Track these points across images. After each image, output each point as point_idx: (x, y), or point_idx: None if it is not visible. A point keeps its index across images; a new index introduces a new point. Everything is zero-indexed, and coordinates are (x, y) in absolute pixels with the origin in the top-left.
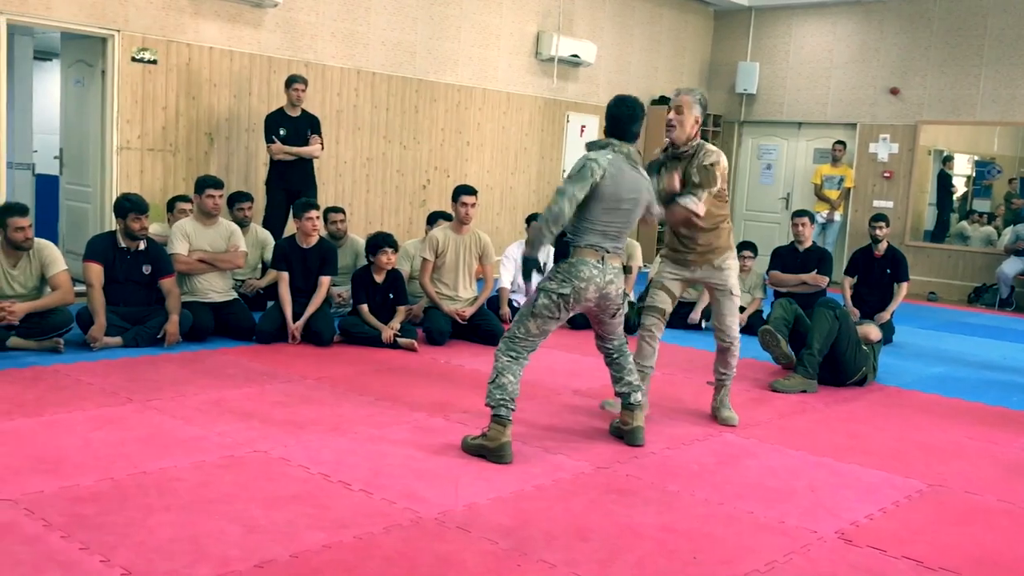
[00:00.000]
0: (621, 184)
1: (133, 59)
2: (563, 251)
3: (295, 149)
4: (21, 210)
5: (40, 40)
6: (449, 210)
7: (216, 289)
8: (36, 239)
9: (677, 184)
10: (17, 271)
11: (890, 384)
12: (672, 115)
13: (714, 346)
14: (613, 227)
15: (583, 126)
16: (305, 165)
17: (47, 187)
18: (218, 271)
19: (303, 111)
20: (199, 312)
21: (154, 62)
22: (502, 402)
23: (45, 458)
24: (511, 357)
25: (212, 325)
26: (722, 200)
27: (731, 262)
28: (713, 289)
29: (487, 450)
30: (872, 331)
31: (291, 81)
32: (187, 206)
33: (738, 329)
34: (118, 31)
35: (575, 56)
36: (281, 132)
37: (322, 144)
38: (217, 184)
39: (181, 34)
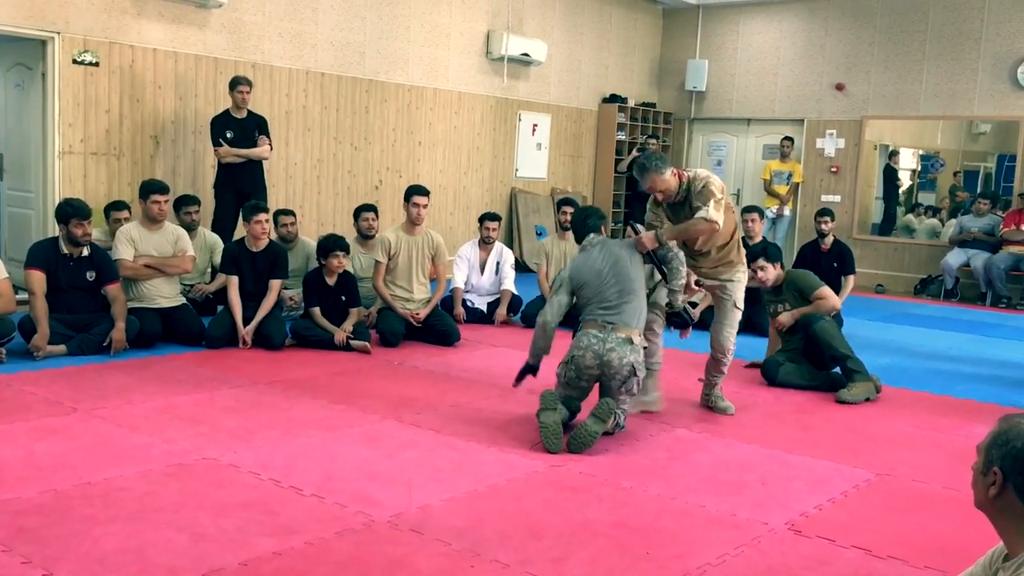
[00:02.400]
0: (591, 266)
1: (74, 61)
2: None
3: (243, 151)
4: None
5: None
6: (402, 210)
7: (164, 294)
8: None
9: (647, 244)
10: None
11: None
12: (659, 196)
13: (702, 347)
14: (606, 300)
15: (535, 124)
16: (254, 167)
17: None
18: (165, 276)
19: (249, 112)
20: (146, 318)
21: (96, 64)
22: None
23: None
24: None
25: (160, 331)
26: (730, 212)
27: (740, 275)
28: (718, 298)
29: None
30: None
31: (235, 83)
32: (123, 215)
33: (734, 342)
34: (58, 33)
35: (526, 55)
36: (228, 135)
37: (271, 145)
38: (163, 189)
39: (124, 36)
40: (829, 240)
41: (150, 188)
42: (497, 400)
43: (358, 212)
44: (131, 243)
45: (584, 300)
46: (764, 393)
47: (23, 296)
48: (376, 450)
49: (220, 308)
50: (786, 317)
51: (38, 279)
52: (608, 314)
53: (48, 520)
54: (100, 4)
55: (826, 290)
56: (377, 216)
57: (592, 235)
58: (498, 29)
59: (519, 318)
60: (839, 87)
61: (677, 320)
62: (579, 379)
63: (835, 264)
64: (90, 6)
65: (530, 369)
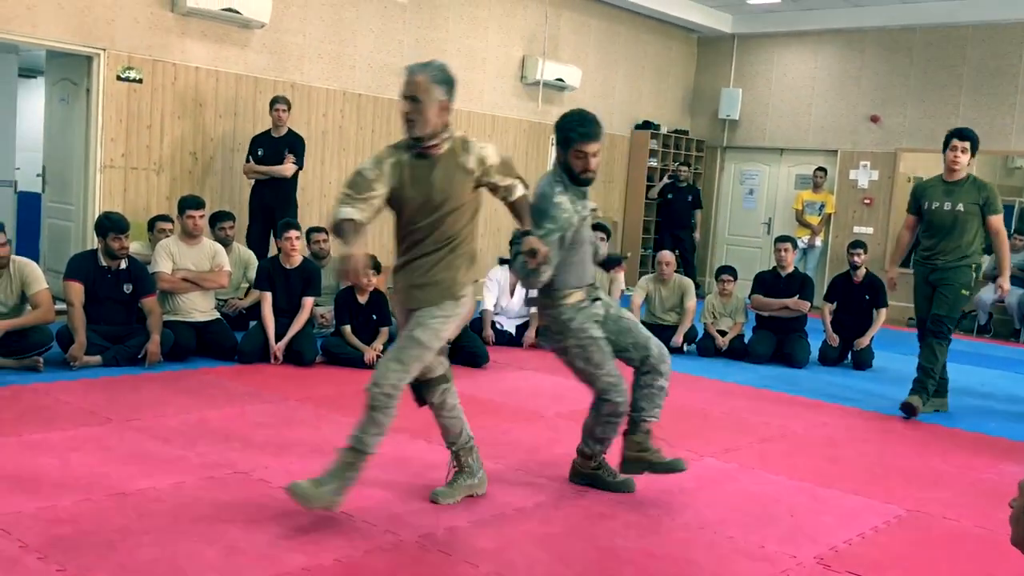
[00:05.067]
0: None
1: (119, 78)
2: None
3: (265, 168)
4: None
5: (25, 58)
6: None
7: (198, 308)
8: (17, 257)
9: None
10: None
11: (869, 409)
12: (408, 107)
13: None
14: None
15: None
16: (280, 185)
17: (29, 205)
18: (201, 290)
19: (289, 131)
20: (181, 331)
21: (139, 81)
22: None
23: (23, 478)
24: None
25: (194, 345)
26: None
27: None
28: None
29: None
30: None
31: (273, 102)
32: (167, 226)
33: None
34: (104, 50)
35: (560, 80)
36: (259, 152)
37: (299, 164)
38: (198, 204)
39: (167, 54)
40: (861, 272)
41: (186, 204)
42: (525, 423)
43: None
44: (170, 257)
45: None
46: (792, 424)
47: (62, 307)
48: (404, 470)
49: (253, 323)
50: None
51: (76, 290)
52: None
53: (83, 529)
54: (145, 23)
55: None
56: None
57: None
58: (533, 54)
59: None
60: (874, 119)
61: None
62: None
63: (867, 296)
64: (136, 25)
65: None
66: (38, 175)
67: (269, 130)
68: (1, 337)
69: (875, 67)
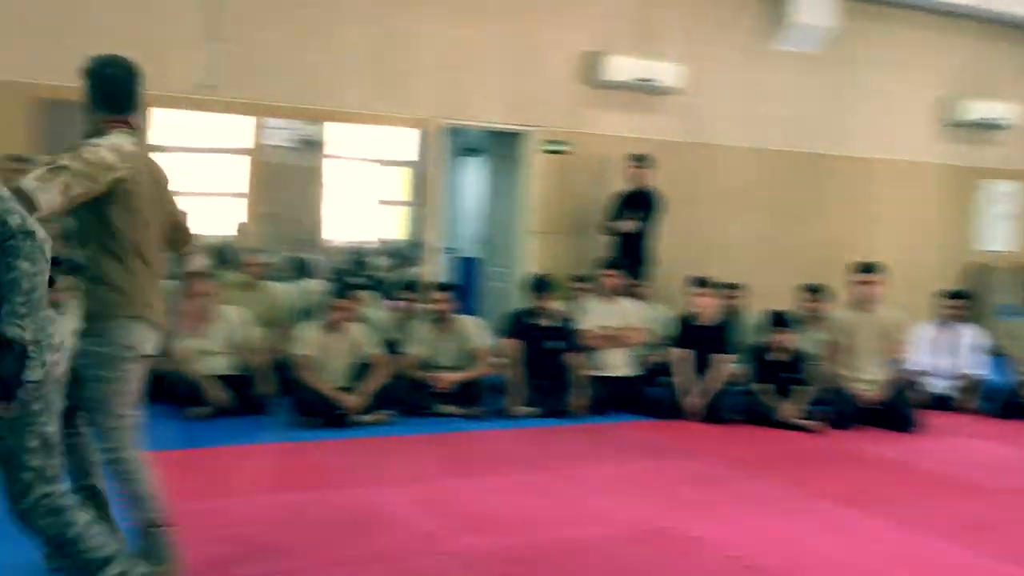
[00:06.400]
0: None
1: (546, 151)
2: None
3: (615, 224)
4: (444, 287)
5: (465, 138)
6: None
7: (617, 364)
8: (461, 316)
9: None
10: (445, 342)
11: None
12: None
13: None
14: None
15: (1002, 193)
16: (631, 240)
17: (469, 269)
18: (620, 346)
19: (643, 189)
20: (602, 386)
21: (564, 152)
22: None
23: (475, 517)
24: None
25: (613, 399)
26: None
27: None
28: None
29: None
30: None
31: (633, 159)
32: (585, 285)
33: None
34: (535, 127)
35: (990, 120)
36: (623, 210)
37: (644, 221)
38: (614, 264)
39: (589, 125)
40: None
41: (606, 264)
42: (975, 499)
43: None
44: (591, 314)
45: None
46: None
47: (499, 361)
48: (838, 539)
49: (667, 379)
50: None
51: (512, 346)
52: None
53: (531, 570)
54: (571, 99)
55: None
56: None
57: None
58: (957, 93)
59: (989, 405)
60: None
61: None
62: None
63: None
64: (562, 102)
65: None
66: (477, 242)
67: (632, 187)
68: (450, 387)
69: None
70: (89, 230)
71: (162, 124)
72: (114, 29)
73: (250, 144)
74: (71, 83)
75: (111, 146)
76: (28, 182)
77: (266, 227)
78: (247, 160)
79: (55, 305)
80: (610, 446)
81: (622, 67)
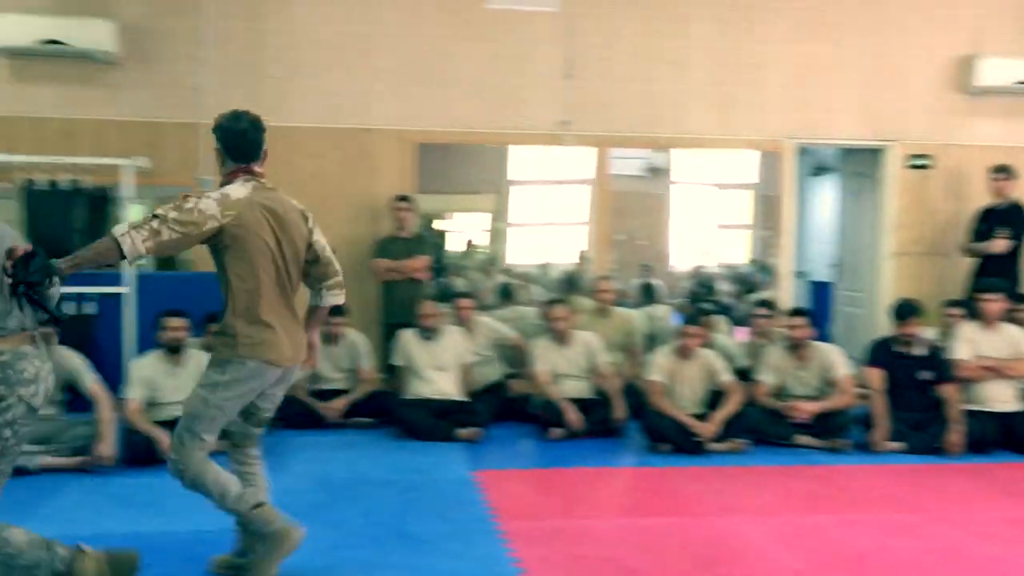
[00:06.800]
0: None
1: (908, 166)
2: None
3: (989, 244)
4: (799, 312)
5: (815, 157)
6: None
7: (1000, 396)
8: (818, 343)
9: None
10: (801, 371)
11: None
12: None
13: None
14: None
15: None
16: (1003, 259)
17: (820, 294)
18: (1003, 379)
19: (1013, 203)
20: (981, 422)
21: (928, 167)
22: None
23: (843, 557)
24: None
25: (997, 436)
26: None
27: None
28: None
29: None
30: None
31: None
32: (959, 311)
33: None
34: (895, 141)
35: None
36: (990, 226)
37: (1017, 239)
38: (997, 288)
39: (955, 136)
40: None
41: (986, 287)
42: None
43: None
44: (970, 344)
45: None
46: None
47: (864, 391)
48: None
49: None
50: None
51: (877, 376)
52: None
53: None
54: (938, 109)
55: None
56: None
57: None
58: None
59: None
60: None
61: None
62: None
63: None
64: (928, 112)
65: None
66: (830, 265)
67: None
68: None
69: None
70: (219, 276)
71: (520, 161)
72: (478, 78)
73: (592, 175)
74: (441, 127)
75: (219, 195)
76: (118, 228)
77: (614, 254)
78: (588, 189)
79: (39, 341)
80: (996, 487)
81: (999, 70)
